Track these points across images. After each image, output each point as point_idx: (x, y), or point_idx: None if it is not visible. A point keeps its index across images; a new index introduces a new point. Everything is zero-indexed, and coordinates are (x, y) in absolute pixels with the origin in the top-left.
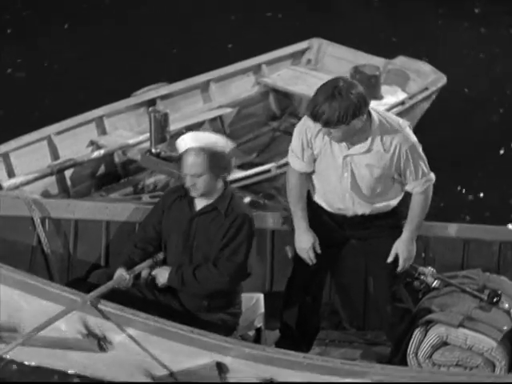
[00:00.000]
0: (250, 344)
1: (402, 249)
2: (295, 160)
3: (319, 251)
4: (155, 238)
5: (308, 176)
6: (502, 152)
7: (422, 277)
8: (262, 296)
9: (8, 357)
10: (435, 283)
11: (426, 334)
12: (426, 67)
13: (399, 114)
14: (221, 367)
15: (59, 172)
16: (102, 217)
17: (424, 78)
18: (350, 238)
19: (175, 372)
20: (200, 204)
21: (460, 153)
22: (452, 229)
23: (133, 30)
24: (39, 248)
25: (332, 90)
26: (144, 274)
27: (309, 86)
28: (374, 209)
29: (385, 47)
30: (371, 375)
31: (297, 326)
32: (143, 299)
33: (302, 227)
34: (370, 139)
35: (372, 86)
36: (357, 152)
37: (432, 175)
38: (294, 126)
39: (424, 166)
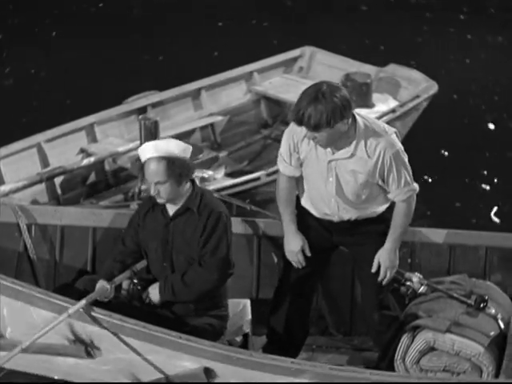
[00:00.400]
0: (237, 349)
1: (383, 258)
2: (283, 164)
3: (309, 254)
4: (134, 251)
5: (297, 181)
6: (490, 158)
7: (409, 283)
8: (248, 302)
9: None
10: (422, 289)
11: (413, 340)
12: (417, 75)
13: (390, 122)
14: (209, 373)
15: (49, 179)
16: (89, 223)
17: (415, 85)
18: (338, 244)
19: (163, 378)
20: (172, 209)
21: (449, 160)
22: (438, 234)
23: (122, 38)
24: (25, 254)
25: (316, 93)
26: (125, 285)
27: None
28: (360, 215)
29: (375, 55)
30: (359, 380)
31: (284, 332)
32: (130, 305)
33: (291, 230)
34: (353, 144)
35: (363, 93)
36: (341, 157)
37: (415, 185)
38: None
39: (407, 174)
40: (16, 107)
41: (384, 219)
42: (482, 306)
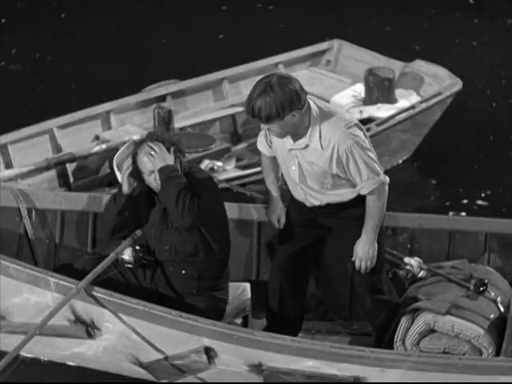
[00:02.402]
0: (238, 328)
1: (358, 249)
2: (261, 144)
3: (283, 221)
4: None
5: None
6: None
7: (408, 267)
8: (248, 285)
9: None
10: (421, 273)
11: (412, 322)
12: (442, 72)
13: (411, 118)
14: (209, 352)
15: (57, 165)
16: (89, 208)
17: (440, 82)
18: (321, 226)
19: (163, 358)
20: None
21: (470, 155)
22: (437, 220)
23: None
24: (25, 238)
25: (265, 85)
26: (127, 253)
27: (326, 88)
28: (329, 201)
29: (405, 50)
30: (360, 359)
31: (280, 313)
32: (131, 284)
33: (275, 198)
34: (308, 135)
35: (385, 88)
36: (297, 147)
37: (382, 177)
38: None
39: (368, 167)
40: (24, 92)
41: (358, 203)
42: (481, 289)
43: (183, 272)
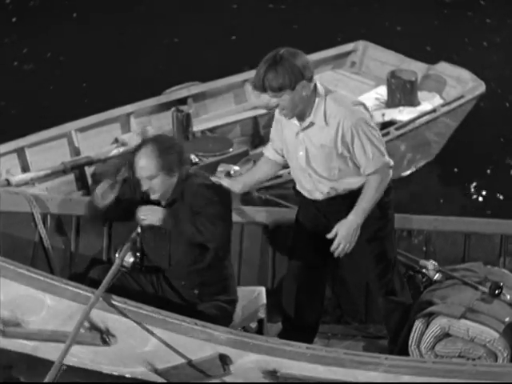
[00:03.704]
0: (253, 335)
1: (341, 229)
2: (267, 146)
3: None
4: None
5: (275, 165)
6: None
7: (424, 270)
8: (263, 289)
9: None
10: (437, 276)
11: (427, 326)
12: (466, 74)
13: (433, 121)
14: (224, 359)
15: (73, 169)
16: None
17: (463, 85)
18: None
19: (178, 364)
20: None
21: (493, 158)
22: (453, 222)
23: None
24: (40, 244)
25: (274, 57)
26: (128, 257)
27: (350, 90)
28: (336, 187)
29: (416, 50)
30: (375, 365)
31: (296, 317)
32: (139, 291)
33: (241, 182)
34: (312, 113)
35: (408, 91)
36: (304, 127)
37: (387, 159)
38: None
39: (373, 145)
40: (37, 91)
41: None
42: (496, 292)
43: (182, 283)
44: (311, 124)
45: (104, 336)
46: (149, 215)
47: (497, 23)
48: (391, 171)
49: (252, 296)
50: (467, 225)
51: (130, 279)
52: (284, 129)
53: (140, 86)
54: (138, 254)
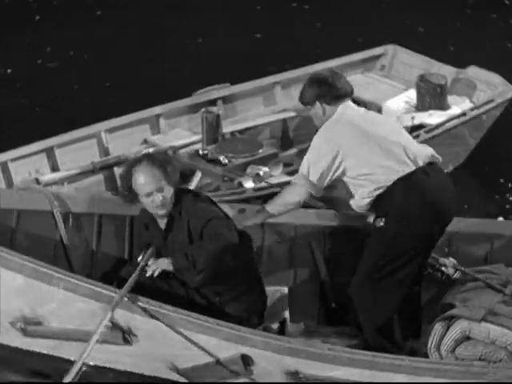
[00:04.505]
0: (275, 336)
1: None
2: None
3: None
4: None
5: None
6: None
7: (443, 268)
8: (286, 290)
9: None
10: (456, 274)
11: (447, 329)
12: (496, 79)
13: (462, 125)
14: (246, 359)
15: (102, 169)
16: (126, 212)
17: (493, 89)
18: None
19: (200, 364)
20: (162, 223)
21: None
22: (476, 224)
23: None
24: (61, 244)
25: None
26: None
27: (379, 93)
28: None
29: (439, 51)
30: (403, 368)
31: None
32: (165, 294)
33: None
34: None
35: (437, 95)
36: None
37: (303, 176)
38: None
39: (303, 163)
40: (61, 90)
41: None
42: None
43: (200, 292)
44: None
45: (126, 335)
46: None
47: None
48: (303, 196)
49: (274, 297)
50: (491, 226)
51: (157, 283)
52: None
53: (164, 86)
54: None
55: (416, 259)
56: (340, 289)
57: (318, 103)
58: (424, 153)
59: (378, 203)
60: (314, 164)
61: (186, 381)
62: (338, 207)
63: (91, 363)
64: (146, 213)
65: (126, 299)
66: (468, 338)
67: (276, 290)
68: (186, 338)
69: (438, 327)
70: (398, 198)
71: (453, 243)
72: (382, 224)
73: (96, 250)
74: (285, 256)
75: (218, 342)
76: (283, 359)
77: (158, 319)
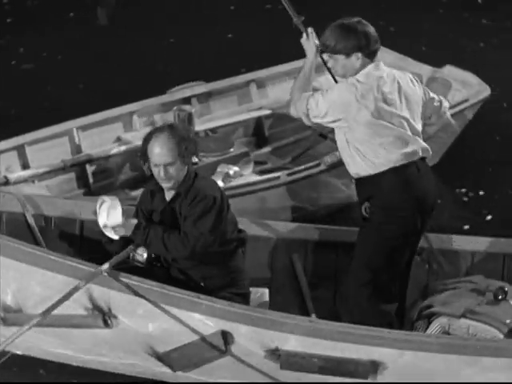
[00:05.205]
0: (255, 309)
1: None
2: None
3: None
4: None
5: None
6: None
7: None
8: (266, 290)
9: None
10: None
11: (428, 326)
12: (472, 78)
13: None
14: (226, 336)
15: (73, 167)
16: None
17: (469, 88)
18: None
19: (180, 346)
20: (169, 195)
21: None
22: (456, 241)
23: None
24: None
25: (342, 21)
26: (139, 256)
27: None
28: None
29: (411, 50)
30: (378, 339)
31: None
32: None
33: None
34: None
35: None
36: None
37: (305, 108)
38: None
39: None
40: (35, 91)
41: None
42: (500, 297)
43: (187, 274)
44: None
45: (106, 317)
46: (121, 230)
47: (492, 23)
48: (298, 108)
49: (255, 297)
50: (471, 243)
51: (146, 272)
52: None
53: (138, 85)
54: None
55: (404, 251)
56: (321, 301)
57: (357, 54)
58: (423, 146)
59: (365, 183)
60: (318, 107)
61: (166, 367)
62: None
63: (70, 354)
64: (156, 180)
65: (107, 274)
66: (448, 334)
67: (256, 291)
68: (166, 315)
69: (418, 326)
70: (385, 186)
71: (432, 259)
72: (366, 213)
73: (76, 248)
74: (265, 269)
75: (198, 317)
76: (263, 334)
77: (139, 294)
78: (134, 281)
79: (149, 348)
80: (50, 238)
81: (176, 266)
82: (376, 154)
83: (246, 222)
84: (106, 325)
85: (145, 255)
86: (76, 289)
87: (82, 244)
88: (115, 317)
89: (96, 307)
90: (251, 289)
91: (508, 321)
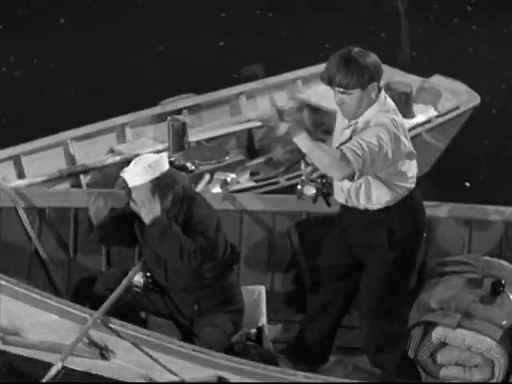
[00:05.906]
0: (249, 362)
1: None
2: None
3: None
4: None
5: None
6: None
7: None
8: (263, 289)
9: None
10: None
11: (424, 336)
12: (461, 87)
13: (427, 133)
14: (222, 381)
15: (69, 176)
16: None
17: (458, 97)
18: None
19: (179, 381)
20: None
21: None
22: (454, 209)
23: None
24: (26, 239)
25: (348, 53)
26: (137, 278)
27: None
28: (361, 202)
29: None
30: None
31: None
32: (147, 307)
33: None
34: (364, 114)
35: (403, 103)
36: (349, 125)
37: (354, 164)
38: (325, 142)
39: (363, 141)
40: (26, 98)
41: (384, 225)
42: (497, 291)
43: (181, 297)
44: (355, 124)
45: (103, 352)
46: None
47: (483, 30)
48: (346, 171)
49: (252, 297)
50: (469, 211)
51: (144, 298)
52: (337, 119)
53: (128, 96)
54: (149, 274)
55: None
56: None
57: (373, 84)
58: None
59: (389, 210)
60: (371, 150)
61: None
62: None
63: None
64: None
65: (101, 322)
66: (444, 345)
67: (253, 289)
68: (162, 360)
69: (414, 334)
70: (411, 209)
71: (431, 228)
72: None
73: (70, 244)
74: (264, 243)
75: (194, 366)
76: None
77: (133, 342)
78: (127, 329)
79: (147, 378)
80: (44, 229)
81: (171, 290)
82: (402, 179)
83: (244, 197)
84: (104, 358)
85: (142, 281)
86: (77, 341)
87: (77, 232)
88: (112, 352)
89: (92, 342)
90: (246, 287)
91: (504, 322)
